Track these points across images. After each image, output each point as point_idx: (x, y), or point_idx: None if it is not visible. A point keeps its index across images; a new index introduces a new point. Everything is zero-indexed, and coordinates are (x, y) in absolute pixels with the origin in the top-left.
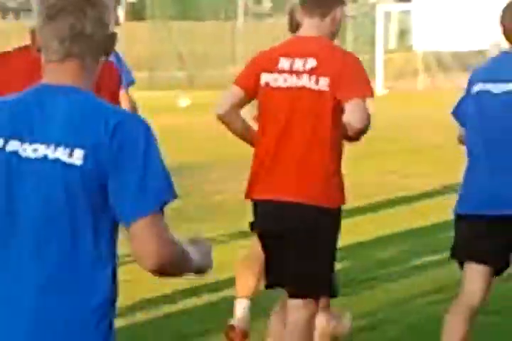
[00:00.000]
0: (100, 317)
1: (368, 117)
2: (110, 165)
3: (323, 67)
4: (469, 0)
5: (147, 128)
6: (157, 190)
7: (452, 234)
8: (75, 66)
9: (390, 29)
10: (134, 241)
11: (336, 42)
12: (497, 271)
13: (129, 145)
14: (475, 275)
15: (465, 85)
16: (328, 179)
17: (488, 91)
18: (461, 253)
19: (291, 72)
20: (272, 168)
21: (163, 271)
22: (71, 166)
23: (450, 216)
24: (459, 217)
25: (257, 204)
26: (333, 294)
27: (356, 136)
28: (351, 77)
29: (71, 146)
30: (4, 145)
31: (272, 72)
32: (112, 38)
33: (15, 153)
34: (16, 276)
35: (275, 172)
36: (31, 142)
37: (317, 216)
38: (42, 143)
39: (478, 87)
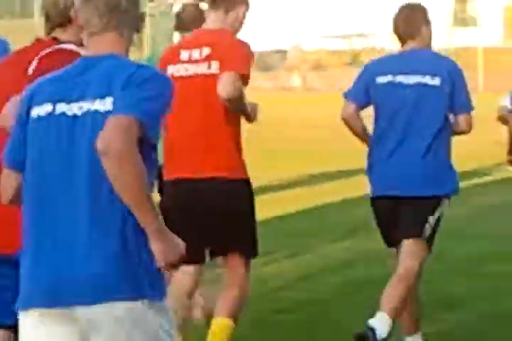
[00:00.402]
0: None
1: (236, 90)
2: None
3: (216, 52)
4: (269, 2)
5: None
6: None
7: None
8: (113, 37)
9: None
10: None
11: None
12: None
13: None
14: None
15: (263, 85)
16: (230, 154)
17: (400, 83)
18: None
19: (189, 61)
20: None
21: None
22: (106, 112)
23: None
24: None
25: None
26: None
27: (231, 108)
28: (233, 55)
29: (104, 96)
30: (53, 109)
31: (174, 64)
32: (142, 16)
33: (63, 114)
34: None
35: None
36: (75, 102)
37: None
38: (84, 101)
39: (387, 78)
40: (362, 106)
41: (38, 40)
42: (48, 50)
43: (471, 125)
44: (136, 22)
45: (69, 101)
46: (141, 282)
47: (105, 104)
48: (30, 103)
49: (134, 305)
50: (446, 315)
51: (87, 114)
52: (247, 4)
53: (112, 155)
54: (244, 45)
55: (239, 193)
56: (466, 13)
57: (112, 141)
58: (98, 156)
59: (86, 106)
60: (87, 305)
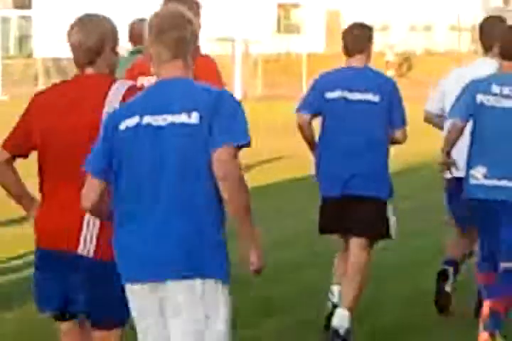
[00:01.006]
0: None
1: None
2: (213, 119)
3: None
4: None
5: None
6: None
7: None
8: (180, 64)
9: (10, 35)
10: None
11: None
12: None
13: (225, 107)
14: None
15: None
16: None
17: (345, 98)
18: None
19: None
20: None
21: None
22: (191, 124)
23: None
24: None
25: None
26: None
27: None
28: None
29: (189, 111)
30: (140, 121)
31: (146, 76)
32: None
33: (149, 125)
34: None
35: None
36: (159, 114)
37: None
38: (167, 114)
39: (336, 94)
40: (312, 117)
41: (79, 76)
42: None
43: (406, 137)
44: (195, 50)
45: (153, 114)
46: (215, 263)
47: (191, 118)
48: (118, 118)
49: (204, 283)
50: (264, 321)
51: (172, 125)
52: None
53: (232, 181)
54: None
55: None
56: (290, 21)
57: (230, 169)
58: (181, 159)
59: (170, 118)
60: (164, 280)
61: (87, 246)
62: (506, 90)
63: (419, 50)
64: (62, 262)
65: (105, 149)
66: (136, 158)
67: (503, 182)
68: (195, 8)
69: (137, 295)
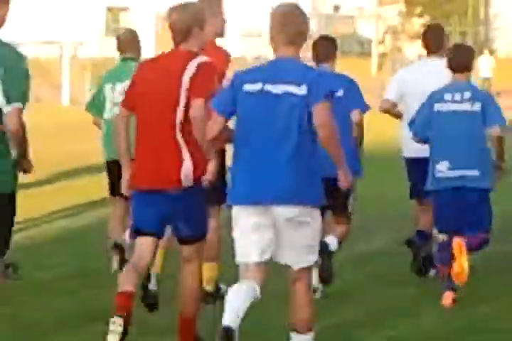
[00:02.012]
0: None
1: None
2: (313, 87)
3: None
4: None
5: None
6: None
7: None
8: (293, 49)
9: None
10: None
11: None
12: None
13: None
14: None
15: None
16: None
17: (268, 92)
18: None
19: None
20: None
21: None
22: (299, 95)
23: None
24: None
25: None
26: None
27: None
28: None
29: (299, 83)
30: (262, 87)
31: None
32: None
33: (269, 92)
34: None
35: None
36: (276, 84)
37: None
38: (281, 83)
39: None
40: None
41: (174, 51)
42: (199, 60)
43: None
44: (305, 40)
45: (273, 83)
46: (316, 195)
47: (301, 90)
48: (244, 79)
49: (308, 209)
50: None
51: (286, 93)
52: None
53: (328, 128)
54: None
55: None
56: (119, 24)
57: (326, 119)
58: (289, 119)
59: (285, 88)
60: (278, 205)
61: (186, 181)
62: (456, 97)
63: (248, 56)
64: (161, 196)
65: (231, 98)
66: (253, 115)
67: (463, 172)
68: None
69: (250, 214)
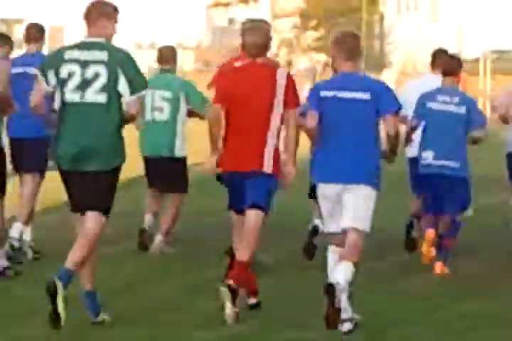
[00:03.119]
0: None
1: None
2: (378, 98)
3: None
4: None
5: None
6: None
7: None
8: (354, 63)
9: None
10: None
11: None
12: None
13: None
14: None
15: None
16: None
17: (340, 97)
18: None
19: None
20: None
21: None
22: (364, 99)
23: None
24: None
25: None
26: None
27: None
28: None
29: (365, 91)
30: (335, 94)
31: None
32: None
33: (342, 97)
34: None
35: None
36: (348, 91)
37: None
38: (348, 91)
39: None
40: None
41: (254, 62)
42: (283, 71)
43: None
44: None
45: (345, 90)
46: (376, 178)
47: (365, 96)
48: (321, 88)
49: (370, 188)
50: None
51: (354, 99)
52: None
53: (396, 135)
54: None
55: None
56: (14, 36)
57: (395, 127)
58: (359, 120)
59: (354, 95)
60: (348, 184)
61: (268, 166)
62: (447, 99)
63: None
64: (246, 178)
65: (316, 101)
66: (334, 117)
67: (445, 162)
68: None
69: (329, 190)
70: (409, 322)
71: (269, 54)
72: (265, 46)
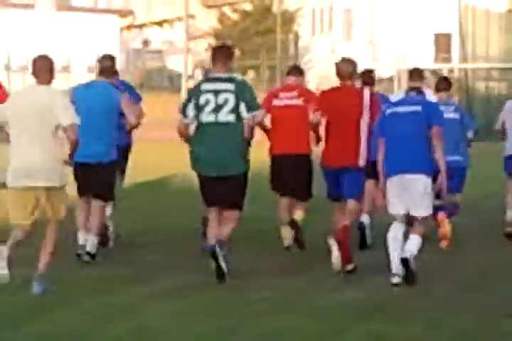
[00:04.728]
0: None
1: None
2: (428, 111)
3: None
4: None
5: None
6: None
7: None
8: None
9: None
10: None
11: None
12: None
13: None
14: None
15: None
16: None
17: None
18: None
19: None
20: None
21: None
22: (418, 112)
23: None
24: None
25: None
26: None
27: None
28: None
29: (417, 105)
30: (396, 110)
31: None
32: None
33: (401, 112)
34: None
35: None
36: (404, 106)
37: None
38: (407, 106)
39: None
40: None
41: (348, 85)
42: (368, 91)
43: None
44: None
45: (401, 106)
46: (430, 171)
47: (418, 111)
48: (386, 107)
49: (426, 177)
50: None
51: (412, 112)
52: None
53: (439, 139)
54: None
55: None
56: None
57: (440, 137)
58: (413, 129)
59: (410, 109)
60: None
61: (360, 161)
62: (447, 108)
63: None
64: (342, 172)
65: (382, 120)
66: (394, 127)
67: (449, 157)
68: None
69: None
70: None
71: (184, 74)
72: (353, 73)
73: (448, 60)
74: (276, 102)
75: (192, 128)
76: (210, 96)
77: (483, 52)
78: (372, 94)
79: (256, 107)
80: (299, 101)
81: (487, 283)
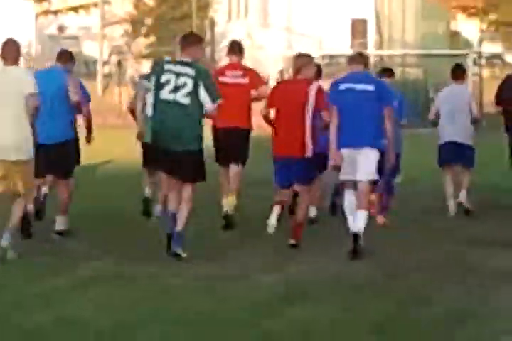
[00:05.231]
0: None
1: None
2: (379, 90)
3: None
4: None
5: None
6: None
7: None
8: (361, 67)
9: None
10: None
11: None
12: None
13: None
14: None
15: None
16: None
17: (352, 88)
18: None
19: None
20: None
21: None
22: (369, 90)
23: None
24: None
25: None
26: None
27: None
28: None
29: (369, 84)
30: (349, 86)
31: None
32: None
33: (354, 88)
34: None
35: None
36: (358, 84)
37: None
38: (360, 83)
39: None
40: None
41: (299, 79)
42: (317, 85)
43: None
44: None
45: (356, 83)
46: (377, 142)
47: (369, 88)
48: (339, 83)
49: (375, 150)
50: None
51: (363, 90)
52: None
53: (389, 117)
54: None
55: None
56: None
57: (390, 116)
58: (365, 105)
59: (363, 87)
60: (360, 148)
61: (307, 151)
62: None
63: None
64: (291, 161)
65: (334, 96)
66: (346, 103)
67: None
68: None
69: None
70: None
71: (100, 60)
72: (301, 67)
73: (364, 45)
74: (223, 79)
75: (149, 108)
76: (172, 77)
77: (399, 37)
78: (319, 90)
79: (215, 94)
80: (245, 80)
81: (404, 270)
